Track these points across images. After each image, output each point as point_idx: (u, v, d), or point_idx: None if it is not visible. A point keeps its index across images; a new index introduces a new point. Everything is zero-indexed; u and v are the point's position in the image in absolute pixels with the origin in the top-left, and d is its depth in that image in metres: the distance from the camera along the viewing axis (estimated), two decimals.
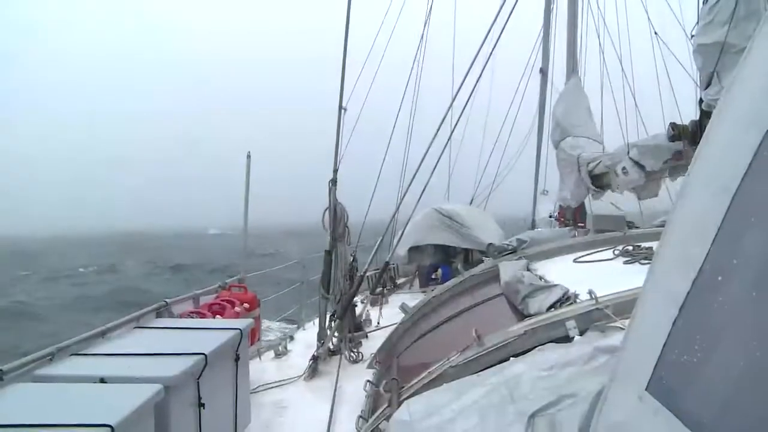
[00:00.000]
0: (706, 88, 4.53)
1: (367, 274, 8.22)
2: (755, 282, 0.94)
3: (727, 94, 1.10)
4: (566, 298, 3.65)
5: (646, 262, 4.42)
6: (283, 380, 6.22)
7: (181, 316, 5.44)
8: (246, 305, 6.53)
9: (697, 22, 4.52)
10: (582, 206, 8.95)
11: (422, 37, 9.60)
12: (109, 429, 2.57)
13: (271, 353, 7.33)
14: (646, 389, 1.11)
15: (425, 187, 7.28)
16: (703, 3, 4.58)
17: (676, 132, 5.20)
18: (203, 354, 3.70)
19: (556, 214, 10.76)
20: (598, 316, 3.13)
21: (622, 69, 8.42)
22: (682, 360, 1.05)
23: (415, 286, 12.04)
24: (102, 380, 3.26)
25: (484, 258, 8.46)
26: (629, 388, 1.17)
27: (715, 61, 4.25)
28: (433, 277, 11.08)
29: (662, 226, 2.22)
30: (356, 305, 8.01)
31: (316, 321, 7.77)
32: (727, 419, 0.91)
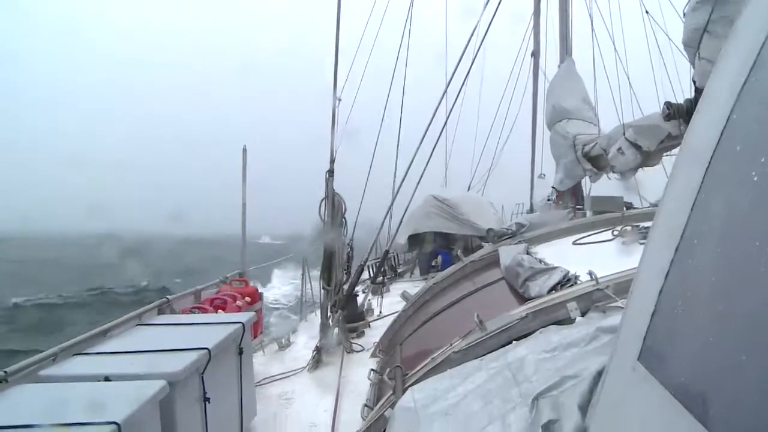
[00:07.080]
0: None
1: (368, 263, 8.22)
2: (726, 244, 0.98)
3: (713, 73, 1.12)
4: (567, 280, 3.65)
5: (645, 241, 4.42)
6: (288, 372, 6.24)
7: (182, 312, 5.46)
8: (247, 299, 6.56)
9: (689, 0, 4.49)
10: (580, 188, 8.96)
11: (408, 15, 9.48)
12: (115, 427, 2.58)
13: (275, 346, 7.36)
14: (638, 359, 1.13)
15: (422, 173, 7.27)
16: None
17: (671, 111, 5.17)
18: (206, 349, 3.71)
19: (554, 197, 10.74)
20: (599, 297, 3.14)
21: (615, 49, 8.37)
22: (666, 327, 1.09)
23: (415, 273, 12.09)
24: (106, 378, 3.27)
25: (483, 243, 8.49)
26: (625, 361, 1.20)
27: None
28: (433, 264, 11.11)
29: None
30: (357, 295, 8.02)
31: (318, 312, 7.78)
32: (708, 384, 0.93)
